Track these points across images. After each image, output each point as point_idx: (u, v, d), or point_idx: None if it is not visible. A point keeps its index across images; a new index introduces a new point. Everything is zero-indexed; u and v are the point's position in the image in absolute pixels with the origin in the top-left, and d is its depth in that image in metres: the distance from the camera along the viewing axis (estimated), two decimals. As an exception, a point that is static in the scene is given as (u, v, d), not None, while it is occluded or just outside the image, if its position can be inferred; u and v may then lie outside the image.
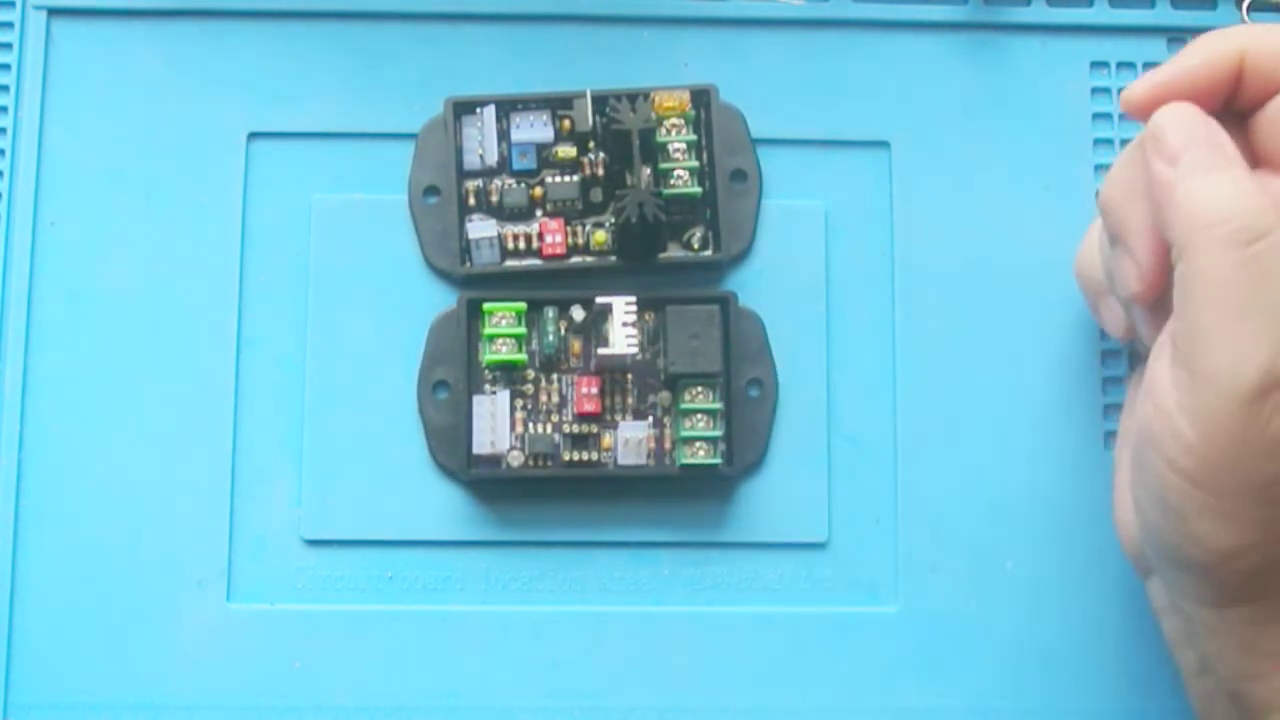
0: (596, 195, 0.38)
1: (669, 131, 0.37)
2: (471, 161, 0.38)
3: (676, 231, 0.38)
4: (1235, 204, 0.29)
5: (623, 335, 0.36)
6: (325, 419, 0.38)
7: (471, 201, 0.38)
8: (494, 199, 0.38)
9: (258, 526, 0.37)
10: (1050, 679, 0.37)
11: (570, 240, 0.38)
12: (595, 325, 0.38)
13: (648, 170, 0.38)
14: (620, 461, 0.37)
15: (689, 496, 0.38)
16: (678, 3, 0.40)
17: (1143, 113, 0.32)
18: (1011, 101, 0.40)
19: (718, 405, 0.37)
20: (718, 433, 0.37)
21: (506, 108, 0.38)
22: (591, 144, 0.38)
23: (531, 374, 0.38)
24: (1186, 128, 0.31)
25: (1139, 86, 0.32)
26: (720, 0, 0.40)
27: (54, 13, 0.39)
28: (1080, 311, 0.38)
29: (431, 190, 0.38)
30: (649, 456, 0.37)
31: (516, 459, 0.37)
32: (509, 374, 0.37)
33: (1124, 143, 0.39)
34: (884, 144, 0.39)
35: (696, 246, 0.38)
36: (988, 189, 0.39)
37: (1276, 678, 0.31)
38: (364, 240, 0.38)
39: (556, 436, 0.37)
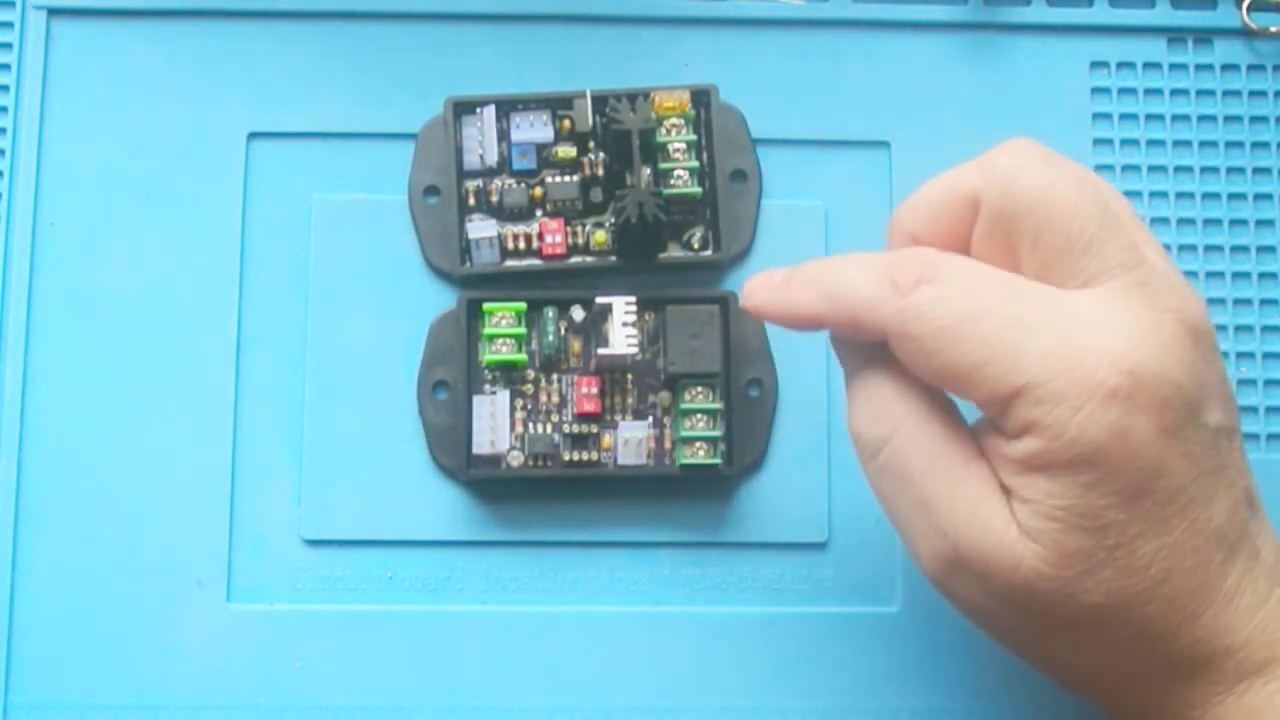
0: (596, 195, 0.38)
1: (669, 131, 0.37)
2: (471, 161, 0.38)
3: (676, 231, 0.38)
4: (857, 420, 0.32)
5: (623, 335, 0.36)
6: (325, 419, 0.38)
7: (471, 201, 0.38)
8: (494, 199, 0.38)
9: (258, 526, 0.37)
10: (1049, 679, 0.37)
11: (570, 240, 0.38)
12: (595, 325, 0.38)
13: (648, 170, 0.38)
14: (620, 461, 0.37)
15: (689, 496, 0.38)
16: (678, 3, 0.40)
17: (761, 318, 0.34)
18: (1011, 101, 0.40)
19: (718, 405, 0.37)
20: (718, 433, 0.37)
21: (506, 108, 0.38)
22: (591, 144, 0.38)
23: (531, 374, 0.38)
24: (841, 341, 0.33)
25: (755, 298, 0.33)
26: (720, 0, 0.40)
27: (54, 13, 0.39)
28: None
29: (431, 190, 0.38)
30: (649, 456, 0.37)
31: (516, 459, 0.37)
32: (509, 374, 0.37)
33: (1124, 143, 0.39)
34: (884, 144, 0.39)
35: (696, 246, 0.38)
36: (988, 189, 0.39)
37: None
38: (364, 240, 0.38)
39: (556, 436, 0.37)
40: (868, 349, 0.32)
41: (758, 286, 0.33)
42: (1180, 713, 0.31)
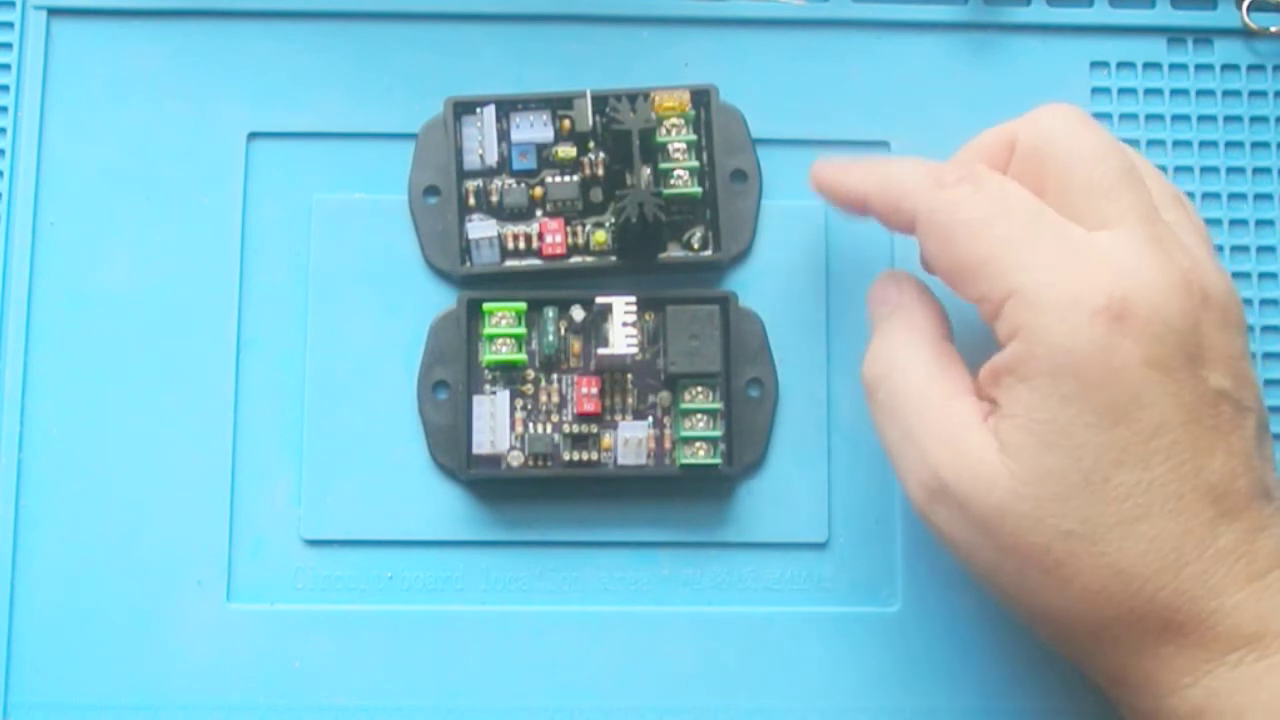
0: (596, 195, 0.38)
1: (669, 131, 0.37)
2: (471, 161, 0.38)
3: (676, 231, 0.38)
4: (866, 362, 0.35)
5: (623, 335, 0.36)
6: (325, 419, 0.38)
7: (471, 201, 0.38)
8: (494, 199, 0.38)
9: (258, 526, 0.37)
10: (1051, 679, 0.37)
11: (570, 240, 0.38)
12: (595, 325, 0.38)
13: (648, 170, 0.38)
14: (620, 461, 0.37)
15: (689, 496, 0.38)
16: (678, 3, 0.40)
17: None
18: (1011, 101, 0.39)
19: (718, 405, 0.37)
20: (717, 433, 0.37)
21: (506, 108, 0.38)
22: (591, 144, 0.38)
23: (531, 374, 0.38)
24: (880, 290, 0.36)
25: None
26: (720, 0, 0.40)
27: (54, 13, 0.39)
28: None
29: (431, 190, 0.38)
30: (649, 456, 0.37)
31: (516, 459, 0.37)
32: (509, 374, 0.37)
33: (1124, 143, 0.39)
34: (884, 144, 0.39)
35: (696, 246, 0.38)
36: (988, 189, 0.39)
37: None
38: (364, 240, 0.38)
39: (556, 436, 0.37)
40: (893, 303, 0.35)
41: (824, 165, 0.36)
42: (1171, 680, 0.31)
